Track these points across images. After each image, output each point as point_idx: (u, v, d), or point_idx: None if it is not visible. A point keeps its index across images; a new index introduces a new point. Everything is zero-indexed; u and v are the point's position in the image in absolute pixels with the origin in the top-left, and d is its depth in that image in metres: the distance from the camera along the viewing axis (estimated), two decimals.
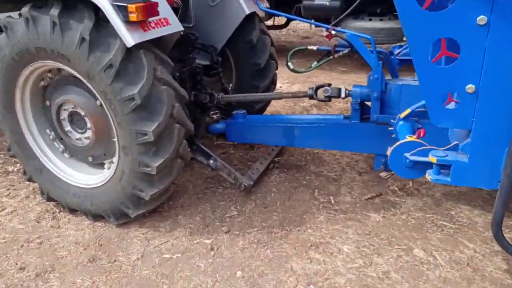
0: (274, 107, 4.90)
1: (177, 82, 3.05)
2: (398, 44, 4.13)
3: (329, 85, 3.07)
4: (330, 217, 3.03)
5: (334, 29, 2.90)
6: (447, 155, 1.59)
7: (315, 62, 3.21)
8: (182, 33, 2.77)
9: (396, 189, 3.44)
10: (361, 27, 6.49)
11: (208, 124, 3.46)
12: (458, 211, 3.10)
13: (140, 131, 2.38)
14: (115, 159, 2.69)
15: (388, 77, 2.93)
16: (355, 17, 6.78)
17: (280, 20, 8.07)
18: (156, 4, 2.33)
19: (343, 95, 2.99)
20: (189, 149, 3.01)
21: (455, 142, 1.65)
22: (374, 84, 2.81)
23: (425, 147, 1.72)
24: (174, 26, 2.54)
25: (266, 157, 3.66)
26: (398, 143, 1.82)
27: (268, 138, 3.33)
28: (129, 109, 2.34)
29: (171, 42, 2.67)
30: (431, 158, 1.59)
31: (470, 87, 1.45)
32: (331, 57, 3.09)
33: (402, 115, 2.13)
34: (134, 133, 2.40)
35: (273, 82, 4.09)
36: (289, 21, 7.93)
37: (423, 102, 2.10)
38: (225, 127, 3.41)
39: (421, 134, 1.85)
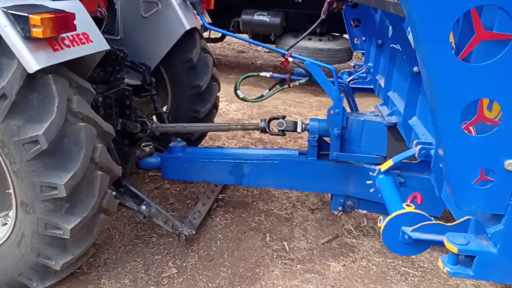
0: None
1: (100, 109, 2.49)
2: (346, 70, 3.93)
3: (283, 117, 2.70)
4: (286, 269, 2.63)
5: (291, 56, 2.53)
6: (468, 243, 1.25)
7: (267, 91, 2.82)
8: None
9: (352, 228, 3.16)
10: (300, 47, 6.30)
11: (138, 158, 2.88)
12: (418, 254, 2.88)
13: (46, 184, 1.77)
14: (12, 213, 2.02)
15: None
16: (294, 36, 6.60)
17: (217, 32, 7.66)
18: (72, 16, 1.76)
19: (299, 129, 2.64)
20: (114, 195, 2.45)
21: (467, 217, 1.34)
22: (335, 119, 2.49)
23: (430, 222, 1.39)
24: (97, 44, 1.97)
25: (208, 195, 3.17)
26: (394, 214, 1.47)
27: (213, 176, 2.85)
28: (30, 155, 1.72)
29: (93, 64, 2.09)
30: (450, 247, 1.25)
31: (510, 163, 1.12)
32: (286, 86, 2.72)
33: (383, 167, 1.81)
34: (38, 186, 1.78)
35: (215, 106, 3.63)
36: None
37: (407, 153, 1.79)
38: (161, 162, 2.86)
39: (418, 201, 1.53)
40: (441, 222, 1.39)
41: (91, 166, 1.90)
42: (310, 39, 6.34)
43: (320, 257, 2.78)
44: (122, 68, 2.77)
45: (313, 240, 2.95)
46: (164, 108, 3.59)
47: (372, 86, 3.35)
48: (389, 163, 1.80)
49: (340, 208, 2.80)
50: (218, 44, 9.28)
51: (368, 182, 1.88)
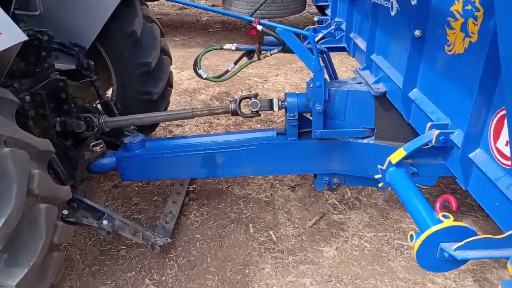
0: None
1: (30, 112, 1.97)
2: (310, 27, 3.54)
3: (256, 95, 2.32)
4: (277, 264, 2.39)
5: (259, 23, 2.10)
6: None
7: (232, 65, 2.39)
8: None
9: (336, 202, 2.96)
10: (251, 0, 5.77)
11: (89, 161, 2.41)
12: (408, 223, 2.76)
13: None
14: None
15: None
16: None
17: None
18: None
19: (275, 108, 2.28)
20: (68, 214, 2.03)
21: None
22: (316, 93, 2.15)
23: (476, 238, 1.15)
24: (9, 36, 1.44)
25: (178, 190, 2.79)
26: (430, 231, 1.20)
27: (181, 172, 2.45)
28: None
29: (8, 61, 1.56)
30: None
31: None
32: (255, 58, 2.31)
33: (394, 159, 1.53)
34: None
35: (169, 84, 3.14)
36: None
37: (421, 140, 1.51)
38: (117, 162, 2.41)
39: (453, 206, 1.28)
40: (488, 236, 1.15)
41: (30, 200, 1.45)
42: None
43: (311, 242, 2.56)
44: (49, 54, 2.22)
45: (300, 224, 2.72)
46: (109, 92, 3.07)
47: (344, 45, 3.01)
48: (400, 152, 1.52)
49: (325, 186, 2.56)
50: (156, 2, 8.39)
51: (376, 176, 1.60)
